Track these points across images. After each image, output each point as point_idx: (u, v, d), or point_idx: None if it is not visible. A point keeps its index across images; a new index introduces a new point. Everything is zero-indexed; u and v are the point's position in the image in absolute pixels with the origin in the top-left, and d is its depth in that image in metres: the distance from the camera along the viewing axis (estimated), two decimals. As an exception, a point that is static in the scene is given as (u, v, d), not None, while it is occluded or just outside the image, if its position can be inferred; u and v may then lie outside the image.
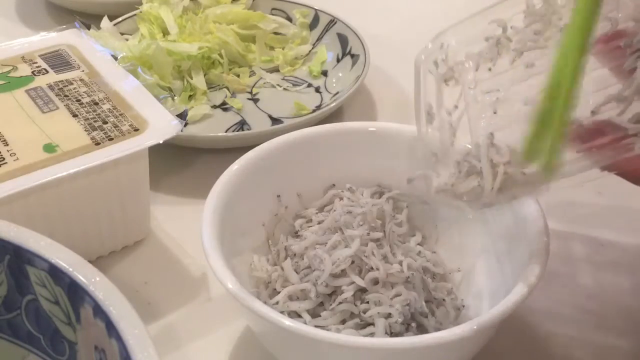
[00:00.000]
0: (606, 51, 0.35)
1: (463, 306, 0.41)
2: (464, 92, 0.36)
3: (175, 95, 0.60)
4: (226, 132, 0.57)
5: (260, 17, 0.65)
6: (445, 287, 0.41)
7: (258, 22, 0.65)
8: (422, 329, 0.39)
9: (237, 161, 0.43)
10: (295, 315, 0.40)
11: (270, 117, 0.59)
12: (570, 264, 0.47)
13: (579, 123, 0.35)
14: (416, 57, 0.37)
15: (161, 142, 0.44)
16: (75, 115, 0.46)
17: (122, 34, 0.64)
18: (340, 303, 0.39)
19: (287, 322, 0.35)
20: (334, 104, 0.57)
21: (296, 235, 0.44)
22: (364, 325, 0.39)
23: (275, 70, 0.64)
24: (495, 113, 0.35)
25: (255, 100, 0.61)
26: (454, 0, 0.75)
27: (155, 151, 0.45)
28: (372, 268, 0.39)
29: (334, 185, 0.46)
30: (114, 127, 0.45)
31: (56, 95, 0.47)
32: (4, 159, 0.42)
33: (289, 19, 0.67)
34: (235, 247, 0.40)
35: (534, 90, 0.34)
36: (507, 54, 0.36)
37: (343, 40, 0.64)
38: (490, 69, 0.35)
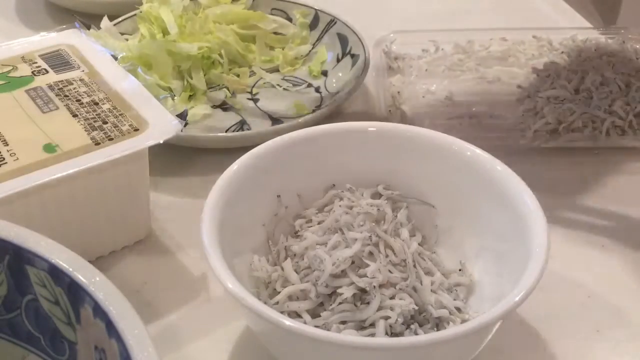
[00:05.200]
0: None
1: (463, 306, 0.41)
2: None
3: (175, 95, 0.60)
4: (226, 132, 0.57)
5: (260, 17, 0.65)
6: (445, 287, 0.41)
7: (258, 22, 0.65)
8: (422, 329, 0.39)
9: (237, 161, 0.43)
10: (295, 315, 0.40)
11: (270, 117, 0.59)
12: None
13: None
14: None
15: (161, 142, 0.44)
16: (75, 115, 0.46)
17: (122, 34, 0.64)
18: (340, 303, 0.39)
19: (287, 322, 0.35)
20: (334, 104, 0.57)
21: (296, 235, 0.44)
22: (365, 325, 0.39)
23: (275, 70, 0.64)
24: None
25: (255, 100, 0.61)
26: (453, 1, 0.75)
27: (155, 151, 0.45)
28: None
29: (334, 185, 0.46)
30: (114, 127, 0.45)
31: (56, 95, 0.47)
32: (4, 159, 0.42)
33: (289, 19, 0.67)
34: (235, 247, 0.40)
35: None
36: None
37: (343, 40, 0.64)
38: None
